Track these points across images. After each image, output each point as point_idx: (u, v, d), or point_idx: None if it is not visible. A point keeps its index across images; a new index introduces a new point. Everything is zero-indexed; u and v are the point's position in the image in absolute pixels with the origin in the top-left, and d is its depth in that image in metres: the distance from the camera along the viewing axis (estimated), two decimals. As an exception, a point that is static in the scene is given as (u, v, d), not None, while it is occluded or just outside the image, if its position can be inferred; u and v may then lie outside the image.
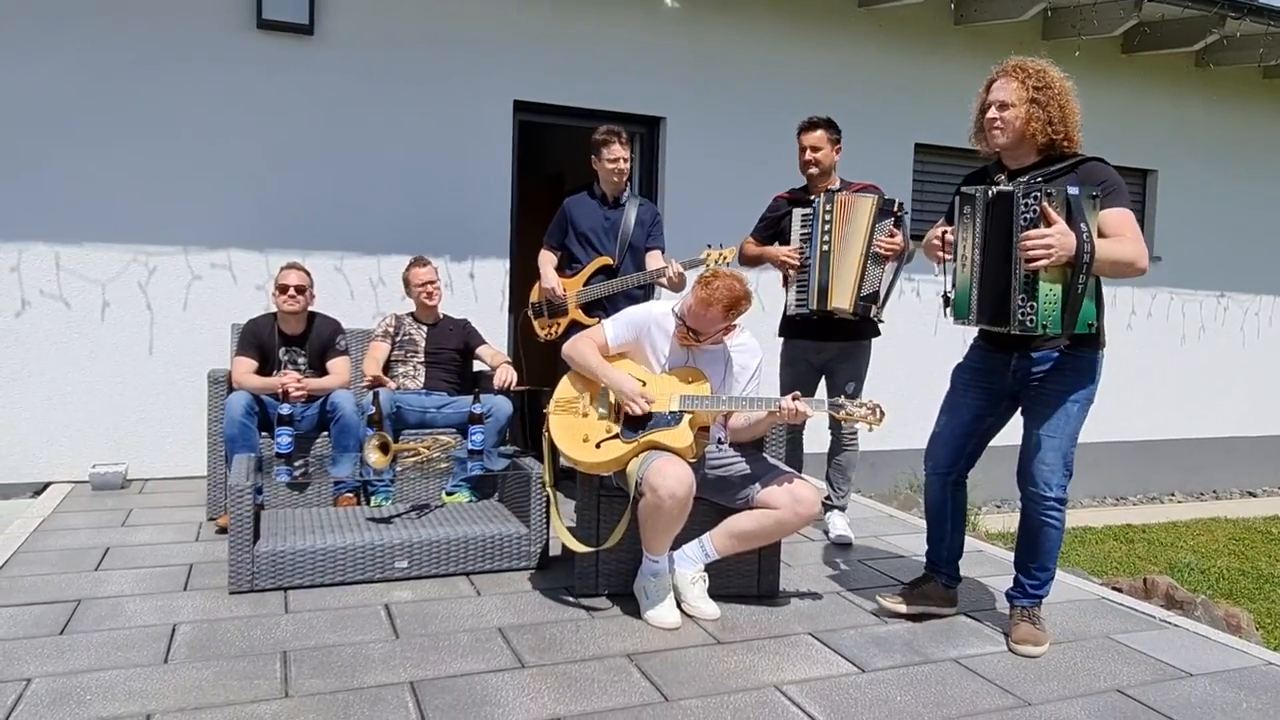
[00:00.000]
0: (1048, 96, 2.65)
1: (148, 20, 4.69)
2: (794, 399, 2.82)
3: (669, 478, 2.70)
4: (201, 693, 2.32)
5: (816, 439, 4.14)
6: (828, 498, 4.06)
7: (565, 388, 3.05)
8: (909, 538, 4.03)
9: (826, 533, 3.98)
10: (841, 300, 3.64)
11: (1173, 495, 7.55)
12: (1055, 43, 6.60)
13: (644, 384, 2.93)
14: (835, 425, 3.95)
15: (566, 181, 8.58)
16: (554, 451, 3.03)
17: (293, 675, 2.44)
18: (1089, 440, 7.25)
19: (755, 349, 3.14)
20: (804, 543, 3.92)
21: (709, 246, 3.95)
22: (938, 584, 3.07)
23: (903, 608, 3.00)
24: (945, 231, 2.73)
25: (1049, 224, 2.47)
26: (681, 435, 2.82)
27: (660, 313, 3.05)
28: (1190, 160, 7.37)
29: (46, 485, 4.63)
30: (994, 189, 2.60)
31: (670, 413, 2.86)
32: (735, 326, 3.07)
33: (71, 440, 4.71)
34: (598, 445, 2.90)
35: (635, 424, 2.89)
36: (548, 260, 4.39)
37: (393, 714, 2.25)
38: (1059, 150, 2.70)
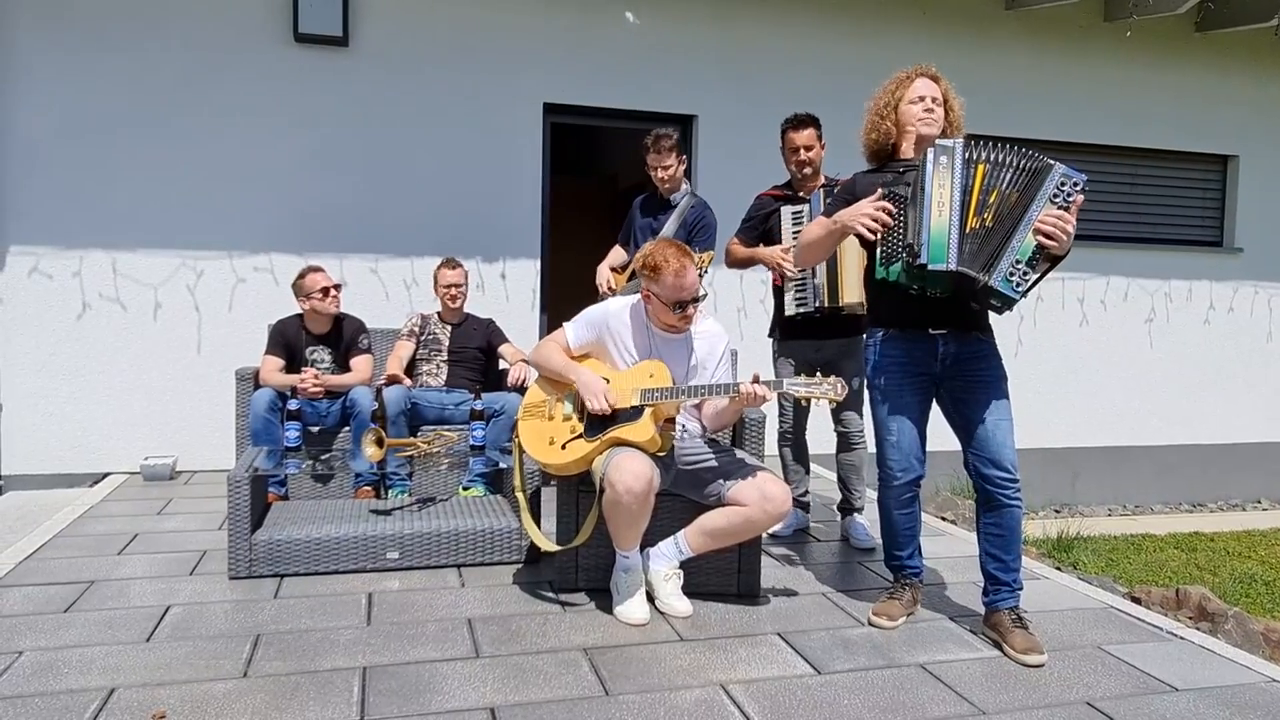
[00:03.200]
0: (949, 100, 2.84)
1: (192, 39, 4.98)
2: (754, 380, 2.78)
3: (626, 473, 2.70)
4: (167, 670, 2.46)
5: (826, 439, 4.05)
6: (844, 500, 3.97)
7: (534, 393, 3.09)
8: (927, 541, 3.88)
9: (846, 538, 3.89)
10: (853, 295, 3.56)
11: (1258, 503, 7.06)
12: (1117, 24, 6.27)
13: (608, 381, 2.94)
14: (839, 421, 3.85)
15: (620, 182, 8.65)
16: (524, 455, 3.08)
17: (257, 657, 2.56)
18: (1163, 443, 6.93)
19: (719, 334, 3.11)
20: (814, 544, 3.85)
21: None
22: (920, 587, 3.00)
23: (900, 621, 2.92)
24: (884, 207, 2.68)
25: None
26: (643, 429, 2.82)
27: (616, 309, 3.05)
28: (1274, 144, 6.87)
29: (104, 475, 4.97)
30: (1035, 158, 2.56)
31: (632, 407, 2.86)
32: (698, 308, 3.02)
33: (126, 433, 5.03)
34: (563, 446, 2.92)
35: (599, 422, 2.90)
36: (610, 256, 4.42)
37: (336, 696, 2.33)
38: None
